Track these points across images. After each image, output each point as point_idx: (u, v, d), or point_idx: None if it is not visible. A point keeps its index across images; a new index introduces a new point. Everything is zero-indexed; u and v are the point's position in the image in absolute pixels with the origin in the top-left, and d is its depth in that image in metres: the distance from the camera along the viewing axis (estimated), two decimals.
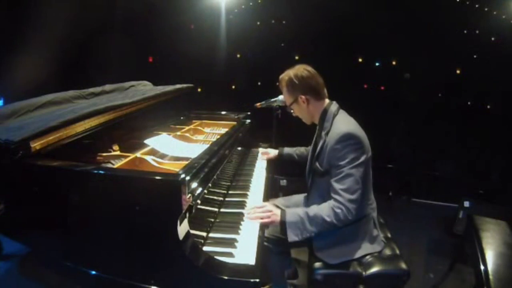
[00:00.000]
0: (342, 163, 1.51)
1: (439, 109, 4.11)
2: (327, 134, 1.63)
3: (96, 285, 1.31)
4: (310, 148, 1.88)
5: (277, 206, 1.65)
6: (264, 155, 2.46)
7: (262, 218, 1.54)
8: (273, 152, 2.42)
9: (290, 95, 1.74)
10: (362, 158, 1.53)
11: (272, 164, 2.46)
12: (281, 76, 1.77)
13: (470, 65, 3.98)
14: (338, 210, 1.47)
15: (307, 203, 1.83)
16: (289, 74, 1.72)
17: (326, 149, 1.61)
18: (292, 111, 1.81)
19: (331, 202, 1.51)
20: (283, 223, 1.52)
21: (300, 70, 1.70)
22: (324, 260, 1.60)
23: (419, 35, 3.85)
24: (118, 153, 1.76)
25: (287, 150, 2.34)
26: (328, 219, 1.47)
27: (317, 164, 1.68)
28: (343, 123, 1.61)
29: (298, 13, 4.18)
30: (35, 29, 3.40)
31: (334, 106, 1.71)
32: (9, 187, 1.43)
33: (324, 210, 1.50)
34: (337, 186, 1.51)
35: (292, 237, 1.51)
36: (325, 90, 1.74)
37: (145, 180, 1.21)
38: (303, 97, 1.69)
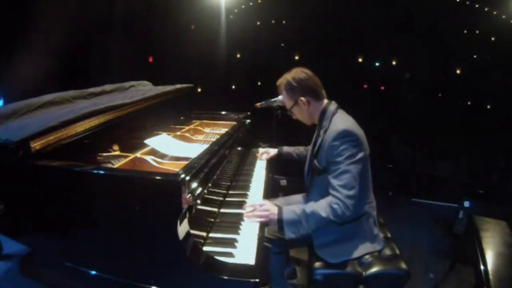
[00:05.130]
0: (339, 159, 1.52)
1: (439, 109, 4.12)
2: (325, 132, 1.64)
3: (96, 285, 1.31)
4: (309, 147, 1.88)
5: (275, 204, 1.65)
6: (264, 154, 2.45)
7: (260, 217, 1.55)
8: (272, 152, 2.41)
9: (290, 98, 1.75)
10: (360, 155, 1.53)
11: (272, 164, 2.46)
12: (279, 81, 1.77)
13: (470, 65, 3.99)
14: (336, 206, 1.47)
15: (307, 201, 1.83)
16: (287, 78, 1.72)
17: (324, 147, 1.62)
18: (292, 114, 1.81)
19: (328, 198, 1.51)
20: (280, 221, 1.52)
21: (298, 72, 1.71)
22: (325, 259, 1.61)
23: (419, 35, 3.85)
24: (118, 153, 1.76)
25: (286, 149, 2.33)
26: (325, 215, 1.47)
27: (315, 162, 1.69)
28: (341, 121, 1.61)
29: (298, 13, 4.18)
30: (35, 29, 3.40)
31: (333, 105, 1.72)
32: (9, 187, 1.42)
33: (321, 206, 1.50)
34: (334, 182, 1.51)
35: (289, 234, 1.51)
36: (323, 91, 1.74)
37: (145, 180, 1.21)
38: (303, 99, 1.69)
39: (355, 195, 1.49)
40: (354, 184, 1.49)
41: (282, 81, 1.75)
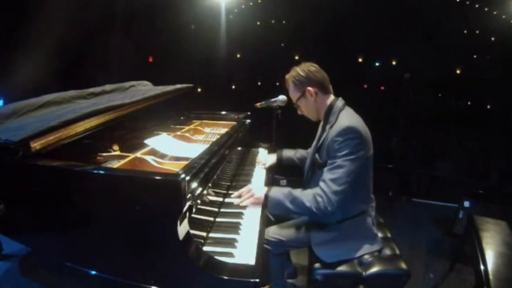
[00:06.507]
0: (337, 154, 1.53)
1: (439, 109, 4.12)
2: (331, 127, 1.64)
3: (96, 285, 1.31)
4: (312, 144, 1.88)
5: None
6: (263, 164, 2.32)
7: (247, 198, 1.63)
8: (271, 159, 2.31)
9: (297, 90, 1.74)
10: (360, 154, 1.53)
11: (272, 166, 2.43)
12: (287, 75, 1.77)
13: (470, 65, 3.99)
14: (319, 199, 1.49)
15: None
16: (295, 70, 1.74)
17: (327, 141, 1.62)
18: (298, 107, 1.79)
19: (315, 189, 1.53)
20: (266, 197, 1.60)
21: (306, 65, 1.73)
22: (323, 259, 1.61)
23: (419, 35, 3.86)
24: (118, 153, 1.76)
25: (286, 153, 2.26)
26: (307, 204, 1.50)
27: (317, 156, 1.70)
28: (347, 118, 1.62)
29: (298, 13, 4.19)
30: (35, 29, 3.40)
31: (340, 102, 1.72)
32: (9, 187, 1.42)
33: (307, 195, 1.53)
34: (326, 175, 1.53)
35: (272, 210, 1.65)
36: (331, 86, 1.75)
37: (145, 180, 1.21)
38: (311, 89, 1.69)
39: (342, 191, 1.49)
40: (345, 180, 1.49)
41: (291, 73, 1.75)
